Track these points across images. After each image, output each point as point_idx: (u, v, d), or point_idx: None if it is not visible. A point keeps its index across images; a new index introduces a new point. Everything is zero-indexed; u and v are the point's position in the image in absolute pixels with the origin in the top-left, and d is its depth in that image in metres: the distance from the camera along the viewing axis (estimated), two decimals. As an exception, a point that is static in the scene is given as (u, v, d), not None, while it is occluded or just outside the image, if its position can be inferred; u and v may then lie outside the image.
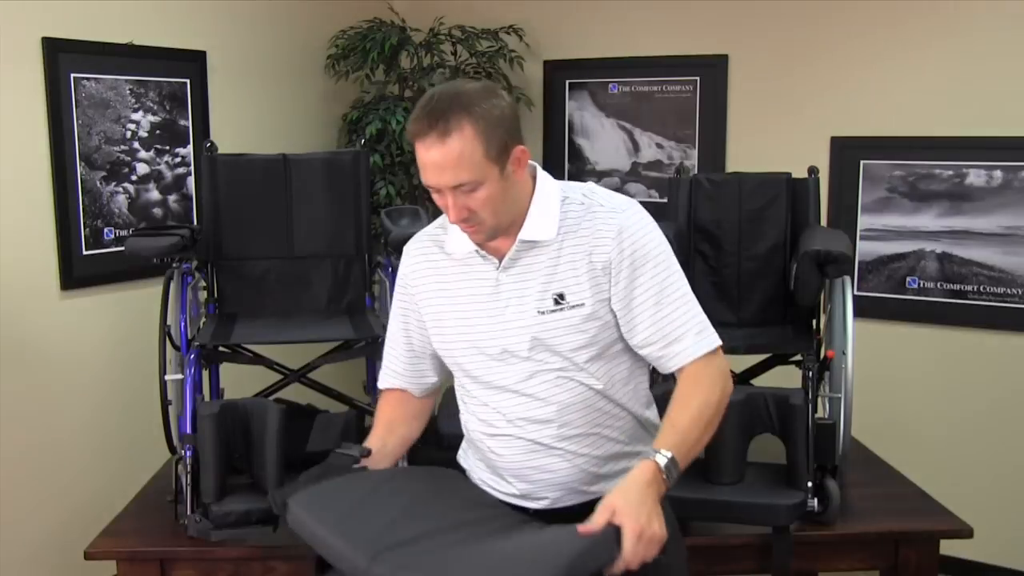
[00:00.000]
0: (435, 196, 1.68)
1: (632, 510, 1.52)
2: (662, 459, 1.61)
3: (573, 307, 1.70)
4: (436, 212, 3.65)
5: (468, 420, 1.87)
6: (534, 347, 1.72)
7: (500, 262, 1.75)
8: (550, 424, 1.74)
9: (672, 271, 1.73)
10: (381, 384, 1.98)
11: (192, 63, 3.56)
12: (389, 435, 1.91)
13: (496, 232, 1.71)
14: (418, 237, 1.90)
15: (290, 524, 1.70)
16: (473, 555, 1.56)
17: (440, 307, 1.82)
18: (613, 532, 1.51)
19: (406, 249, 1.90)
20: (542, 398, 1.74)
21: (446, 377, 1.95)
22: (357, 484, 1.76)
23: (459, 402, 1.90)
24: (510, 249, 1.73)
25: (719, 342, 1.75)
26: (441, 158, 1.60)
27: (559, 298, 1.70)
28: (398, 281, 1.91)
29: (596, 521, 1.52)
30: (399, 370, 1.94)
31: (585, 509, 1.61)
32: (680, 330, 1.71)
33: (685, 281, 1.75)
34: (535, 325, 1.71)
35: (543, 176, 1.76)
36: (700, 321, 1.74)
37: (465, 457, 1.94)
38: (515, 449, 1.77)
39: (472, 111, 1.59)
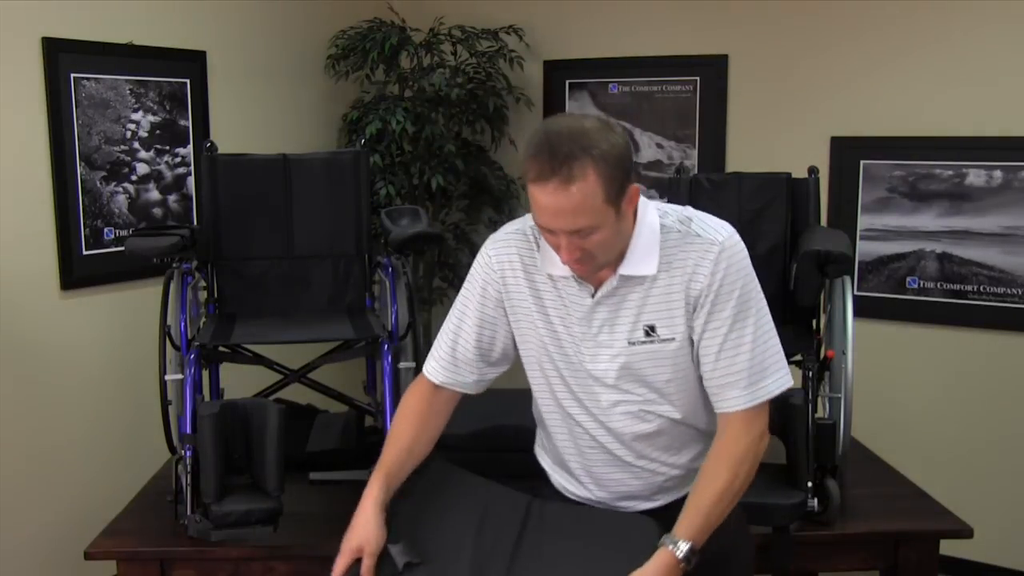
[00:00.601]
0: (546, 234, 1.64)
1: None
2: (681, 550, 1.63)
3: (663, 340, 1.69)
4: (436, 212, 3.65)
5: (549, 422, 1.86)
6: (621, 376, 1.72)
7: (596, 290, 1.71)
8: (628, 448, 1.77)
9: (748, 314, 1.69)
10: (433, 376, 1.86)
11: (192, 63, 3.56)
12: (410, 459, 1.83)
13: (602, 267, 1.68)
14: (509, 239, 1.81)
15: None
16: None
17: (530, 318, 1.78)
18: None
19: (497, 245, 1.81)
20: (621, 427, 1.76)
21: (501, 374, 1.90)
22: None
23: (538, 402, 1.88)
24: (608, 280, 1.70)
25: (768, 396, 1.70)
26: (563, 205, 1.55)
27: (650, 330, 1.69)
28: (481, 272, 1.82)
29: None
30: (459, 365, 1.84)
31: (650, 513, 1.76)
32: (733, 377, 1.68)
33: (762, 325, 1.70)
34: (624, 355, 1.71)
35: (643, 204, 1.70)
36: (757, 372, 1.69)
37: (542, 457, 1.95)
38: (594, 461, 1.81)
39: (595, 154, 1.54)
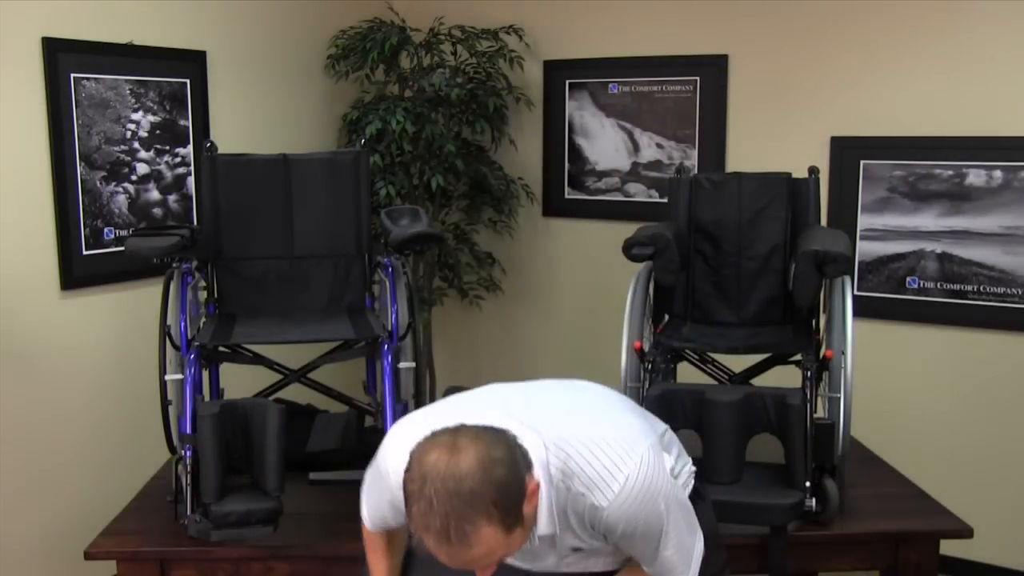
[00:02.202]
0: None
1: None
2: None
3: (593, 549, 1.69)
4: (436, 212, 3.66)
5: None
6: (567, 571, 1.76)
7: None
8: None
9: (659, 540, 1.65)
10: (372, 527, 1.86)
11: (192, 63, 3.56)
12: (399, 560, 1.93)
13: None
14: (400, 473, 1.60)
15: None
16: None
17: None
18: None
19: (396, 480, 1.65)
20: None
21: None
22: None
23: None
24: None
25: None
26: (465, 561, 1.47)
27: (576, 549, 1.69)
28: (390, 498, 1.72)
29: None
30: (395, 524, 1.83)
31: None
32: (674, 571, 1.70)
33: (678, 543, 1.67)
34: (561, 564, 1.73)
35: (539, 474, 1.57)
36: (688, 560, 1.70)
37: None
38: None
39: (482, 506, 1.43)
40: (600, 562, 1.76)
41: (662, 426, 1.87)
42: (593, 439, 1.61)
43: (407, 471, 1.48)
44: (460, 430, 1.50)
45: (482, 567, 1.51)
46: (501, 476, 1.45)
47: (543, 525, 1.60)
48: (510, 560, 1.74)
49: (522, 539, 1.53)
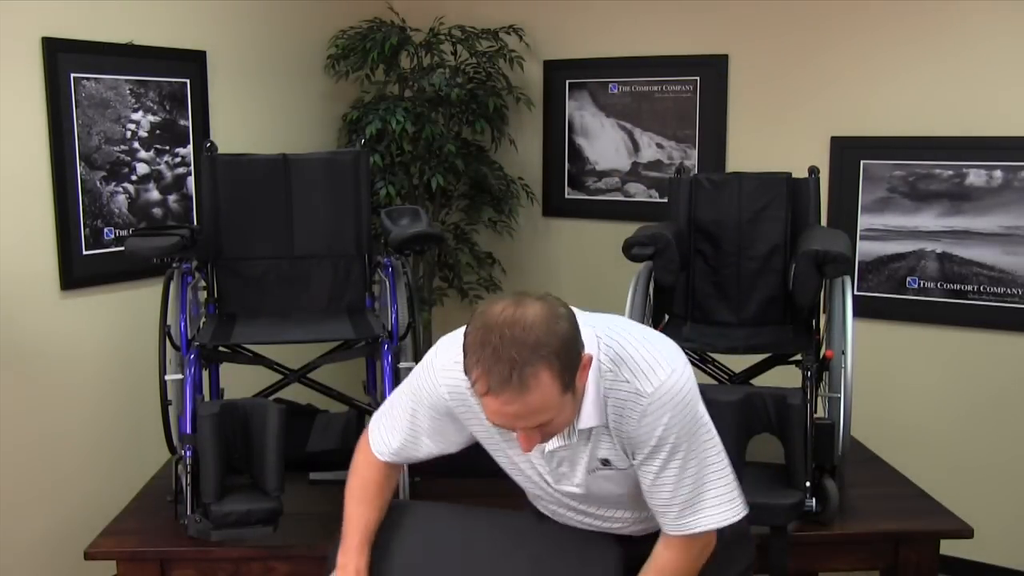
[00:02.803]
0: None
1: None
2: None
3: (618, 468, 1.69)
4: (436, 212, 3.65)
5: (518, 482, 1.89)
6: (586, 498, 1.76)
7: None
8: (595, 518, 1.83)
9: (683, 455, 1.64)
10: (386, 454, 1.87)
11: (192, 63, 3.56)
12: (382, 516, 1.90)
13: None
14: (456, 376, 1.67)
15: None
16: None
17: (491, 446, 1.79)
18: None
19: (443, 376, 1.73)
20: (591, 518, 1.82)
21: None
22: None
23: None
24: (560, 437, 1.67)
25: (693, 531, 1.70)
26: (519, 412, 1.49)
27: (605, 462, 1.69)
28: (432, 398, 1.76)
29: None
30: (414, 454, 1.86)
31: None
32: (662, 509, 1.69)
33: (704, 463, 1.67)
34: (585, 483, 1.72)
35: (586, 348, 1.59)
36: (688, 506, 1.68)
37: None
38: (563, 517, 1.86)
39: (544, 354, 1.46)
40: (617, 497, 1.75)
41: None
42: (645, 335, 1.67)
43: (469, 327, 1.51)
44: (523, 293, 1.54)
45: (530, 426, 1.52)
46: (564, 329, 1.49)
47: (587, 415, 1.61)
48: (540, 473, 1.74)
49: (571, 411, 1.56)
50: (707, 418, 1.68)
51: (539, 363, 1.45)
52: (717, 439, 1.69)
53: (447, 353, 1.73)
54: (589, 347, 1.59)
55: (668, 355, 1.63)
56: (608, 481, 1.72)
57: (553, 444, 1.67)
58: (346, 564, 1.82)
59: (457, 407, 1.75)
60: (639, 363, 1.61)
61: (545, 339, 1.46)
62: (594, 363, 1.60)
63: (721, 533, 1.75)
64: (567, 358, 1.49)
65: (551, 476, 1.75)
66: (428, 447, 1.84)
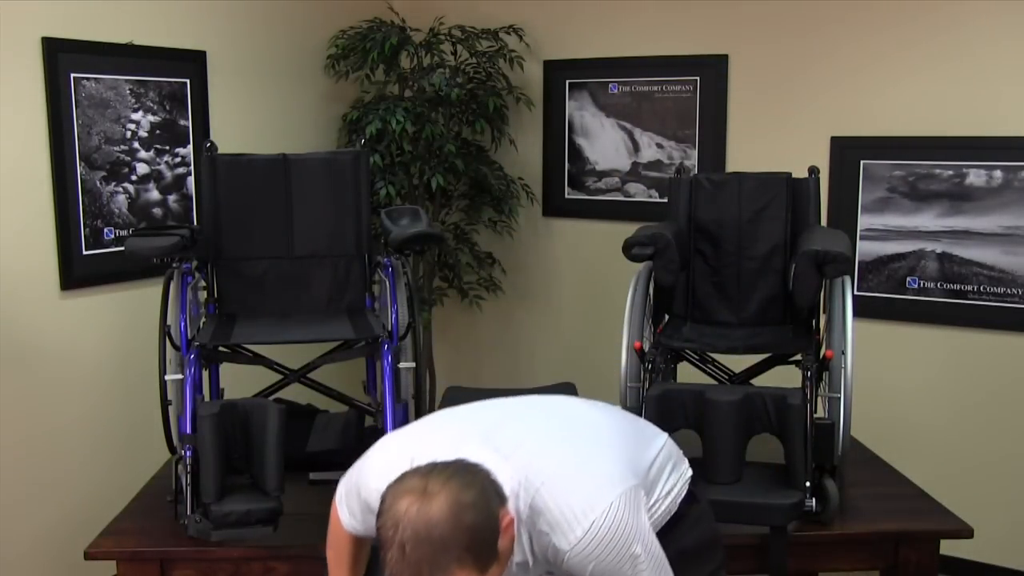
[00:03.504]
0: None
1: None
2: None
3: None
4: (436, 212, 3.65)
5: None
6: None
7: None
8: None
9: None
10: (349, 527, 1.82)
11: (192, 63, 3.56)
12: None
13: None
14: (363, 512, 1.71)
15: None
16: None
17: None
18: None
19: (371, 495, 1.68)
20: None
21: None
22: None
23: None
24: None
25: None
26: None
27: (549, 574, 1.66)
28: (361, 501, 1.73)
29: None
30: (361, 526, 1.81)
31: None
32: None
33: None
34: None
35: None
36: None
37: None
38: None
39: (455, 553, 1.43)
40: None
41: (656, 446, 1.82)
42: (566, 475, 1.59)
43: (379, 515, 1.48)
44: (431, 473, 1.48)
45: None
46: (472, 521, 1.45)
47: (517, 553, 1.58)
48: None
49: (498, 573, 1.51)
50: (648, 554, 1.60)
51: (449, 564, 1.43)
52: (656, 559, 1.62)
53: (372, 480, 1.68)
54: (510, 489, 1.55)
55: (589, 500, 1.57)
56: None
57: None
58: None
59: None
60: (556, 516, 1.56)
61: (452, 536, 1.43)
62: (515, 505, 1.56)
63: (692, 536, 1.72)
64: (479, 546, 1.45)
65: None
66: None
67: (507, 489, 1.55)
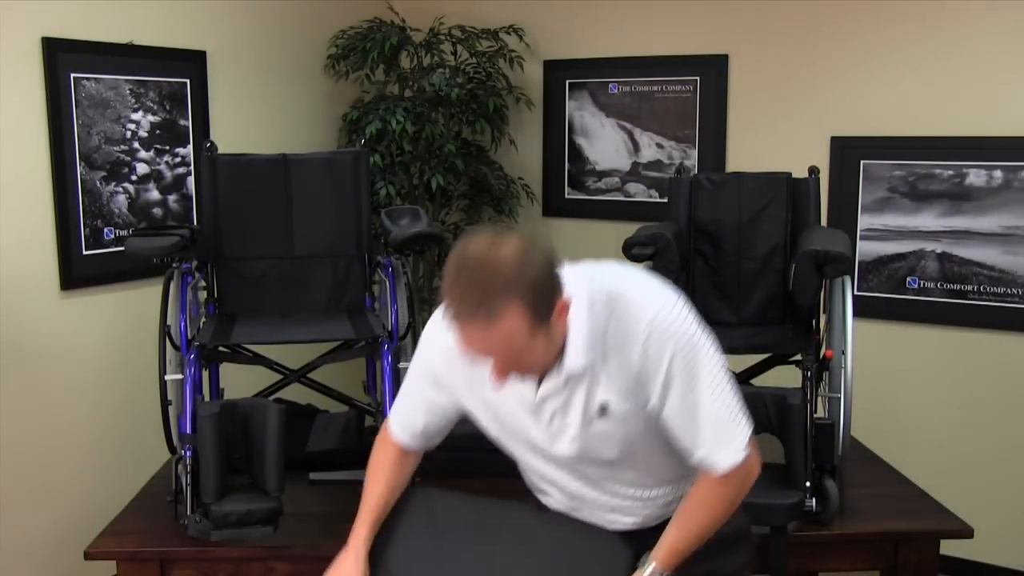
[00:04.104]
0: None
1: None
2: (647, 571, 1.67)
3: (618, 416, 1.65)
4: (436, 212, 3.63)
5: (520, 463, 1.85)
6: (581, 457, 1.71)
7: (539, 386, 1.66)
8: (601, 491, 1.77)
9: (698, 377, 1.61)
10: (397, 434, 1.87)
11: (192, 63, 3.56)
12: (388, 506, 1.87)
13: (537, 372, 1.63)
14: (441, 334, 1.71)
15: None
16: None
17: (479, 410, 1.77)
18: None
19: (429, 340, 1.77)
20: (588, 493, 1.77)
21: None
22: None
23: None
24: (549, 378, 1.64)
25: (740, 456, 1.65)
26: (487, 343, 1.50)
27: (603, 409, 1.64)
28: (423, 363, 1.79)
29: None
30: (419, 429, 1.85)
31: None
32: (699, 439, 1.64)
33: (716, 384, 1.63)
34: (580, 437, 1.67)
35: (574, 293, 1.59)
36: (723, 432, 1.64)
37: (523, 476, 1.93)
38: (569, 497, 1.80)
39: (515, 288, 1.46)
40: (615, 460, 1.69)
41: None
42: (639, 274, 1.68)
43: (448, 259, 1.51)
44: (507, 229, 1.57)
45: (500, 360, 1.53)
46: (539, 268, 1.49)
47: (574, 357, 1.59)
48: (531, 434, 1.71)
49: (544, 354, 1.56)
50: (711, 341, 1.65)
51: (509, 297, 1.46)
52: (722, 359, 1.66)
53: (434, 329, 1.76)
54: (579, 287, 1.59)
55: (663, 288, 1.64)
56: (605, 438, 1.67)
57: (544, 389, 1.64)
58: (348, 540, 1.82)
59: (444, 372, 1.75)
60: (634, 297, 1.61)
61: (517, 275, 1.46)
62: (587, 301, 1.60)
63: (722, 529, 1.73)
64: (538, 296, 1.49)
65: (544, 435, 1.70)
66: (428, 419, 1.83)
67: (572, 286, 1.58)
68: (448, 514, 1.86)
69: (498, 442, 1.80)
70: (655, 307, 1.59)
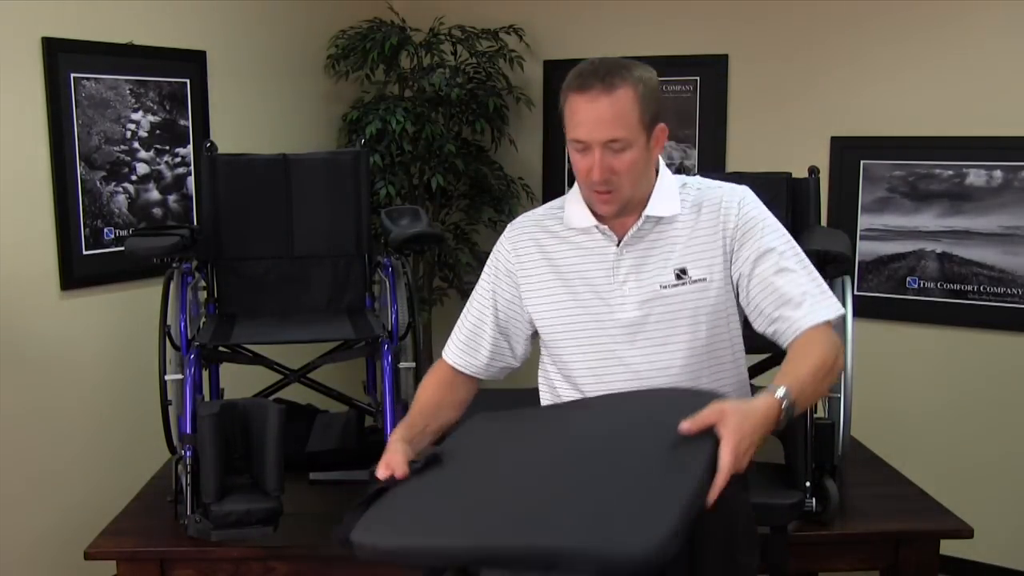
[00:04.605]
0: (579, 157, 1.72)
1: (738, 434, 1.47)
2: (786, 401, 1.54)
3: (695, 281, 1.72)
4: (436, 212, 3.65)
5: (558, 390, 1.86)
6: (651, 323, 1.73)
7: (621, 239, 1.77)
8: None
9: (791, 241, 1.77)
10: (449, 357, 1.92)
11: (192, 63, 3.56)
12: (434, 420, 1.84)
13: (627, 205, 1.74)
14: (522, 219, 1.91)
15: (365, 558, 1.49)
16: (571, 501, 1.41)
17: (547, 286, 1.82)
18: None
19: (509, 229, 1.91)
20: (645, 371, 1.75)
21: (522, 362, 1.95)
22: (409, 490, 1.59)
23: (544, 378, 1.91)
24: (633, 226, 1.76)
25: (840, 311, 1.72)
26: (604, 111, 1.66)
27: (681, 273, 1.72)
28: (492, 261, 1.90)
29: (703, 417, 1.46)
30: (476, 349, 1.89)
31: None
32: (802, 296, 1.70)
33: (801, 255, 1.77)
34: (654, 299, 1.73)
35: (663, 164, 1.83)
36: (821, 288, 1.73)
37: None
38: None
39: (635, 76, 1.69)
40: (696, 314, 1.73)
41: None
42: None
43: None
44: None
45: (604, 139, 1.67)
46: (654, 83, 1.74)
47: (659, 202, 1.75)
48: (591, 282, 1.76)
49: (639, 169, 1.70)
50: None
51: (628, 79, 1.68)
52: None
53: (517, 219, 1.93)
54: (675, 177, 1.81)
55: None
56: (672, 306, 1.72)
57: (628, 237, 1.75)
58: (392, 436, 1.76)
59: (517, 256, 1.84)
60: (723, 182, 1.83)
61: (638, 72, 1.70)
62: (680, 180, 1.81)
63: (747, 518, 1.72)
64: (651, 95, 1.70)
65: (615, 299, 1.73)
66: (486, 326, 1.88)
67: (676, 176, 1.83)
68: (513, 417, 1.76)
69: (554, 345, 1.82)
70: (743, 189, 1.80)
